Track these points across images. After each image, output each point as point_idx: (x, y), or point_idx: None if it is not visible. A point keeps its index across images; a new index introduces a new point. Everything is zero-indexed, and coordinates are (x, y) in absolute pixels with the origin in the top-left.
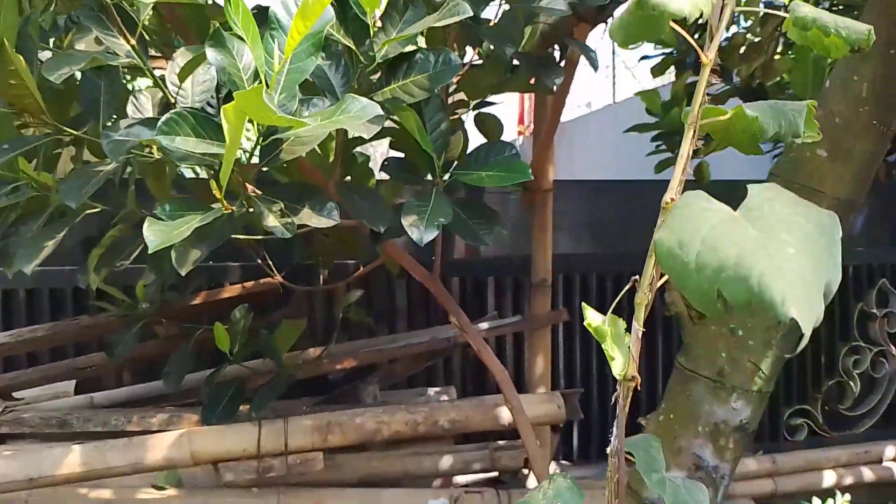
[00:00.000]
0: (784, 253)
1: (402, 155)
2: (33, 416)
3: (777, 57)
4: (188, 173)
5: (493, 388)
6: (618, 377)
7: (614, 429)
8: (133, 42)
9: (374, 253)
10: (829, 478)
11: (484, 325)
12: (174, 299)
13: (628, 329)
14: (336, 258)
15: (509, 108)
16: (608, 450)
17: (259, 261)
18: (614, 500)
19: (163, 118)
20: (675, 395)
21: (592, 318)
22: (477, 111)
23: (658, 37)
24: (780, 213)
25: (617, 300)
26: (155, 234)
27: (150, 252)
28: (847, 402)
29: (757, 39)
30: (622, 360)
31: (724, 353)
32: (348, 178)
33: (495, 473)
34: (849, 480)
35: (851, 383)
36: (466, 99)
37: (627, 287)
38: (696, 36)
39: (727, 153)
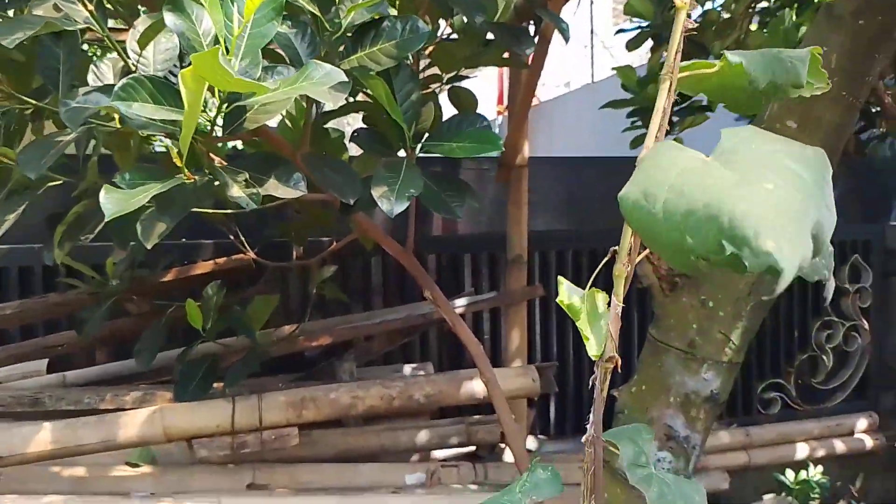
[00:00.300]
0: (760, 188)
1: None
2: (4, 395)
3: (752, 30)
4: (160, 148)
5: (469, 364)
6: (593, 358)
7: (591, 415)
8: (91, 8)
9: (349, 229)
10: (801, 450)
11: (460, 302)
12: (145, 276)
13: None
14: (310, 235)
15: (489, 88)
16: (583, 439)
17: (231, 237)
18: (589, 496)
19: (119, 84)
20: (647, 366)
21: (567, 293)
22: (451, 85)
23: None
24: (759, 152)
25: (596, 272)
26: (112, 202)
27: (105, 220)
28: (820, 376)
29: (730, 16)
30: (596, 340)
31: (694, 324)
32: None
33: (472, 448)
34: (821, 453)
35: (824, 357)
36: (440, 73)
37: (606, 259)
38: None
39: (703, 130)
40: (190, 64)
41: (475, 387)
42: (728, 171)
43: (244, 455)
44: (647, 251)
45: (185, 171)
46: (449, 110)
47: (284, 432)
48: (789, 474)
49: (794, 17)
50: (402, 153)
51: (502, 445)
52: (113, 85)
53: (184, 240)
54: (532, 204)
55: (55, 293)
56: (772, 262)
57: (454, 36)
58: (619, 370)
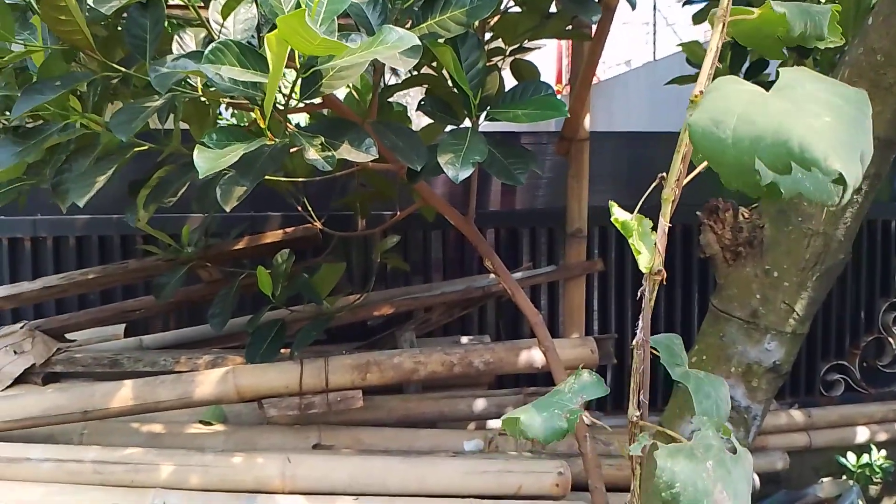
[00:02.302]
0: (821, 119)
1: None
2: (85, 356)
3: None
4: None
5: (526, 337)
6: (644, 271)
7: (640, 321)
8: None
9: (411, 202)
10: (863, 433)
11: (519, 275)
12: (218, 244)
13: (654, 228)
14: (373, 208)
15: (548, 66)
16: (633, 343)
17: (299, 208)
18: (639, 391)
19: (208, 48)
20: (708, 336)
21: (619, 214)
22: (513, 58)
23: None
24: (811, 89)
25: (645, 196)
26: (204, 160)
27: (199, 177)
28: (885, 359)
29: None
30: (648, 254)
31: (758, 294)
32: None
33: None
34: (883, 436)
35: (890, 340)
36: (503, 46)
37: (654, 184)
38: None
39: None
40: (271, 30)
41: (534, 355)
42: (788, 103)
43: (310, 416)
44: (706, 216)
45: (268, 132)
46: (511, 84)
47: (349, 394)
48: (851, 457)
49: None
50: (466, 123)
51: None
52: (201, 51)
53: (253, 212)
54: (592, 178)
55: (134, 260)
56: (840, 176)
57: (517, 7)
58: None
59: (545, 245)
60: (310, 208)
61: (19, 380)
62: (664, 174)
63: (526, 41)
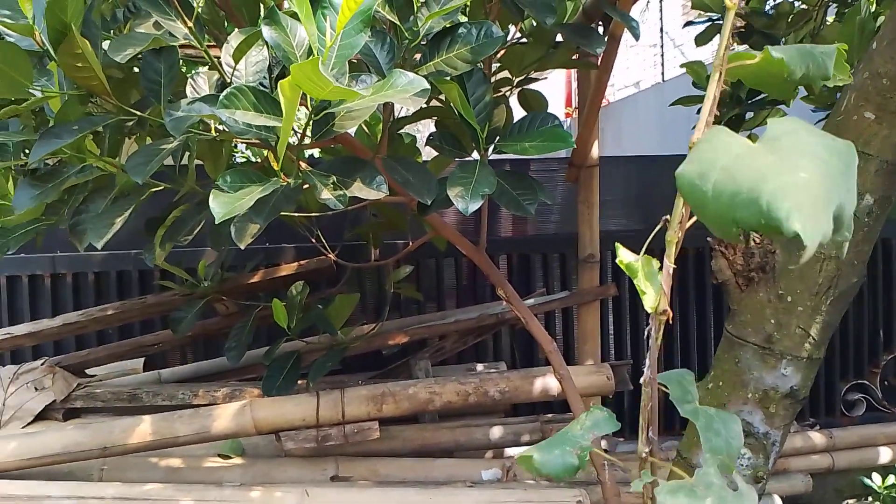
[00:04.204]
0: (795, 176)
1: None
2: (105, 391)
3: (829, 21)
4: (241, 160)
5: (542, 363)
6: (649, 311)
7: (647, 360)
8: (190, 24)
9: (422, 232)
10: (886, 454)
11: (532, 301)
12: (234, 278)
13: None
14: (385, 238)
15: (557, 90)
16: (642, 380)
17: (313, 240)
18: (647, 428)
19: (223, 93)
20: (723, 362)
21: (624, 256)
22: (520, 88)
23: None
24: (799, 142)
25: (648, 240)
26: (220, 205)
27: (216, 222)
28: None
29: (804, 6)
30: (653, 294)
31: (772, 319)
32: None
33: None
34: None
35: None
36: (510, 77)
37: (658, 226)
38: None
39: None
40: (282, 75)
41: (549, 383)
42: (771, 156)
43: (327, 448)
44: (721, 247)
45: (281, 174)
46: (519, 113)
47: (366, 426)
48: (876, 478)
49: (871, 7)
50: (475, 154)
51: None
52: (216, 95)
53: (267, 244)
54: (602, 203)
55: (151, 295)
56: (798, 238)
57: (523, 39)
58: (697, 369)
59: (558, 270)
60: (323, 240)
61: (40, 416)
62: (668, 217)
63: (532, 72)
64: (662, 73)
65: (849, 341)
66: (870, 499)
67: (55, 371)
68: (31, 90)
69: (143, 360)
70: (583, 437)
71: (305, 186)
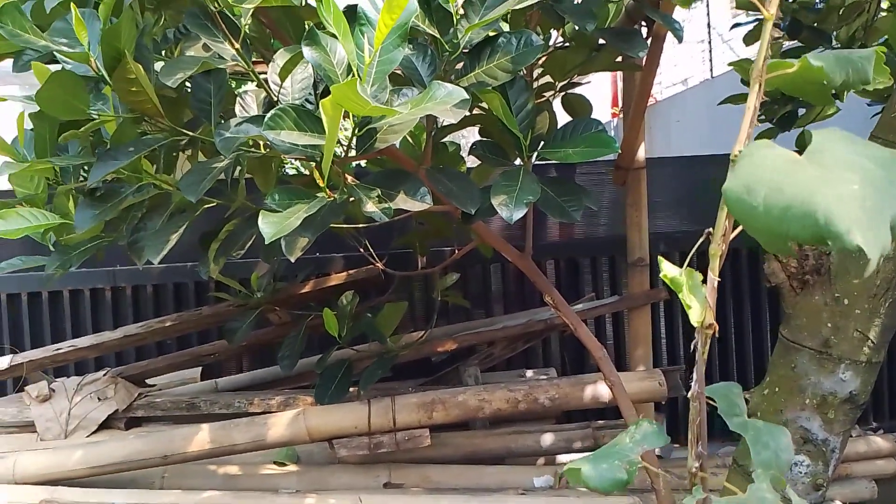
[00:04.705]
0: (848, 188)
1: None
2: (164, 400)
3: (882, 15)
4: (290, 171)
5: (592, 369)
6: (695, 325)
7: (694, 374)
8: (237, 46)
9: (468, 238)
10: None
11: (581, 307)
12: (285, 288)
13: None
14: (431, 245)
15: (602, 90)
16: (689, 394)
17: (361, 250)
18: (696, 443)
19: (267, 115)
20: (779, 367)
21: (668, 269)
22: (564, 93)
23: None
24: (842, 153)
25: (693, 250)
26: (269, 226)
27: (266, 241)
28: None
29: None
30: (699, 307)
31: (828, 322)
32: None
33: None
34: None
35: None
36: (553, 81)
37: (701, 239)
38: None
39: (830, 122)
40: (327, 92)
41: (600, 390)
42: (817, 169)
43: (380, 455)
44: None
45: (326, 190)
46: (564, 118)
47: (417, 433)
48: None
49: None
50: (518, 161)
51: None
52: (262, 116)
53: (317, 254)
54: (650, 205)
55: (207, 306)
56: (860, 251)
57: (565, 43)
58: (753, 374)
59: (607, 273)
60: (371, 249)
61: (103, 425)
62: (710, 229)
63: (576, 76)
64: (711, 70)
65: None
66: None
67: (117, 381)
68: (88, 114)
69: (200, 369)
70: (632, 450)
71: (351, 199)
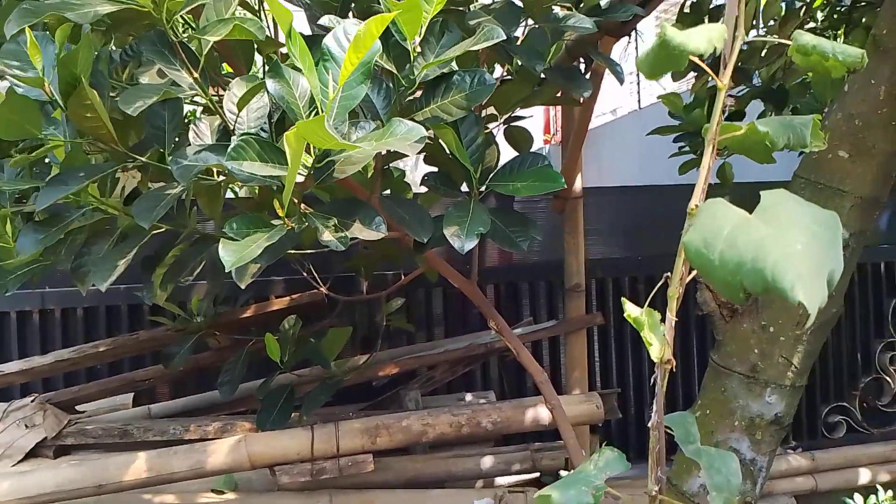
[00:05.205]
0: (793, 248)
1: (436, 169)
2: (96, 427)
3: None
4: (230, 194)
5: (530, 392)
6: (655, 360)
7: (654, 405)
8: (196, 75)
9: (412, 263)
10: (867, 475)
11: (520, 331)
12: (226, 313)
13: (663, 319)
14: (376, 269)
15: (535, 118)
16: (649, 424)
17: (304, 273)
18: (656, 468)
19: (231, 145)
20: (710, 391)
21: (631, 309)
22: (507, 125)
23: (679, 69)
24: (789, 213)
25: (652, 294)
26: (229, 254)
27: (226, 270)
28: (885, 399)
29: (777, 42)
30: (659, 345)
31: (756, 349)
32: (387, 191)
33: (536, 474)
34: (886, 477)
35: (888, 379)
36: (496, 113)
37: (661, 283)
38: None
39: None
40: (281, 122)
41: (541, 413)
42: (768, 227)
43: (322, 481)
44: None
45: (286, 220)
46: (504, 147)
47: (360, 458)
48: (857, 499)
49: (841, 41)
50: (465, 189)
51: (563, 473)
52: (222, 145)
53: (258, 277)
54: (586, 232)
55: (144, 331)
56: (802, 305)
57: (508, 77)
58: (682, 397)
59: (544, 298)
60: (314, 273)
61: (30, 453)
62: (669, 273)
63: (518, 109)
64: (639, 101)
65: (829, 365)
66: None
67: (45, 408)
68: (40, 138)
69: (132, 395)
70: (596, 476)
71: (305, 226)
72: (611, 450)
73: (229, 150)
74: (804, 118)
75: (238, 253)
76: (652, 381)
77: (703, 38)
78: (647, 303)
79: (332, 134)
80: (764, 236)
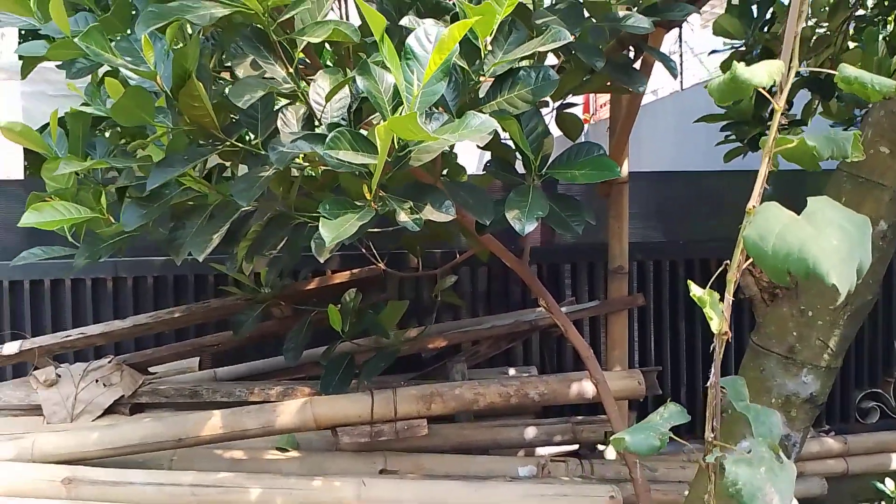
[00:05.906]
0: (829, 243)
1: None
2: (168, 387)
3: (850, 46)
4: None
5: (568, 368)
6: (715, 332)
7: (713, 368)
8: (291, 70)
9: (460, 242)
10: None
11: (565, 310)
12: (291, 285)
13: (721, 299)
14: (426, 247)
15: (575, 98)
16: (707, 384)
17: (363, 249)
18: (712, 418)
19: (329, 136)
20: (749, 370)
21: (695, 290)
22: (558, 111)
23: (745, 96)
24: (828, 216)
25: (712, 279)
26: (328, 231)
27: (326, 244)
28: None
29: (825, 32)
30: (718, 319)
31: (794, 331)
32: (444, 173)
33: (576, 446)
34: None
35: None
36: (548, 99)
37: (720, 269)
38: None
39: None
40: (361, 110)
41: (585, 387)
42: (810, 226)
43: (377, 443)
44: (748, 263)
45: (372, 203)
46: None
47: (415, 423)
48: (889, 483)
49: (887, 39)
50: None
51: (601, 447)
52: (320, 135)
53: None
54: (629, 216)
55: (216, 299)
56: (835, 287)
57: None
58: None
59: (586, 279)
60: (373, 249)
61: (108, 410)
62: (728, 261)
63: (570, 96)
64: (681, 82)
65: (864, 352)
66: (882, 503)
67: (122, 368)
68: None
69: (198, 359)
70: (662, 425)
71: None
72: (674, 404)
73: (327, 140)
74: (847, 133)
75: (335, 230)
76: (711, 349)
77: (765, 73)
78: (709, 284)
79: (424, 128)
80: (808, 233)
